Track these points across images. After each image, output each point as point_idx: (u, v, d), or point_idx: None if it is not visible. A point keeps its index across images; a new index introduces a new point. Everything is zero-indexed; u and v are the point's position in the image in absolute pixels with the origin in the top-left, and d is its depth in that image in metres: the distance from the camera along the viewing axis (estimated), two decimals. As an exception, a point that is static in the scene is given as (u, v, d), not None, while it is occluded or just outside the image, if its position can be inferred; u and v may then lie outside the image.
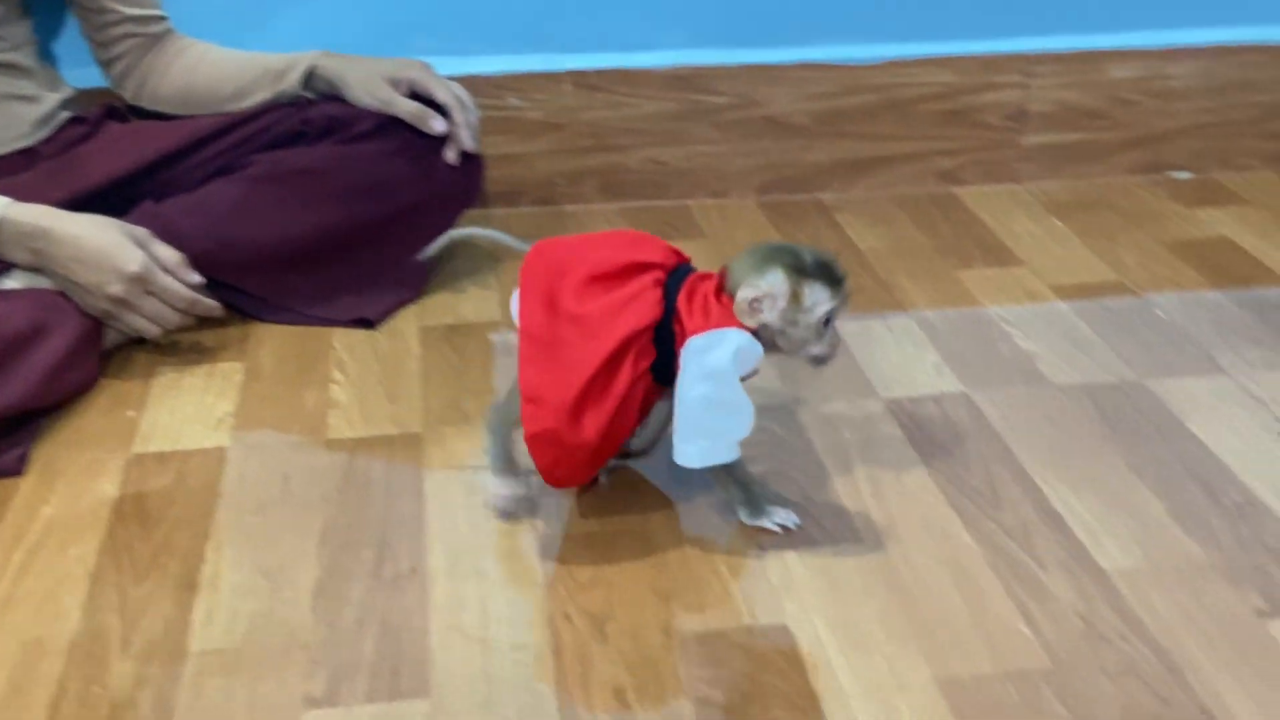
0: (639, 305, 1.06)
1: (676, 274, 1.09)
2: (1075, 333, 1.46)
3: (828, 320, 1.08)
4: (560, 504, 1.16)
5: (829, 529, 1.13)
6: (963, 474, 1.20)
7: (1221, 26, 1.85)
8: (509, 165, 1.76)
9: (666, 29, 1.76)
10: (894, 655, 0.99)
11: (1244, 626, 1.02)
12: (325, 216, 1.47)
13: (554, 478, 1.10)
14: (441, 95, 1.49)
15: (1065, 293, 1.55)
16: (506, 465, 1.15)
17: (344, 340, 1.45)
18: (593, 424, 1.04)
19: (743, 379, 1.08)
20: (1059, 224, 1.74)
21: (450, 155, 1.50)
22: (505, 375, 1.38)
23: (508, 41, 1.74)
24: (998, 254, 1.66)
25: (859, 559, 1.10)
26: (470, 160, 1.52)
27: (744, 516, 1.13)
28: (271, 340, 1.45)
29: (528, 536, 1.12)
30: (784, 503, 1.14)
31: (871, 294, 1.55)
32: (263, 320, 1.48)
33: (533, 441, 1.06)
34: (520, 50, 1.74)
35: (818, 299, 1.06)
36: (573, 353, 1.04)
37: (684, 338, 1.06)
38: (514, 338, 1.43)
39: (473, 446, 1.25)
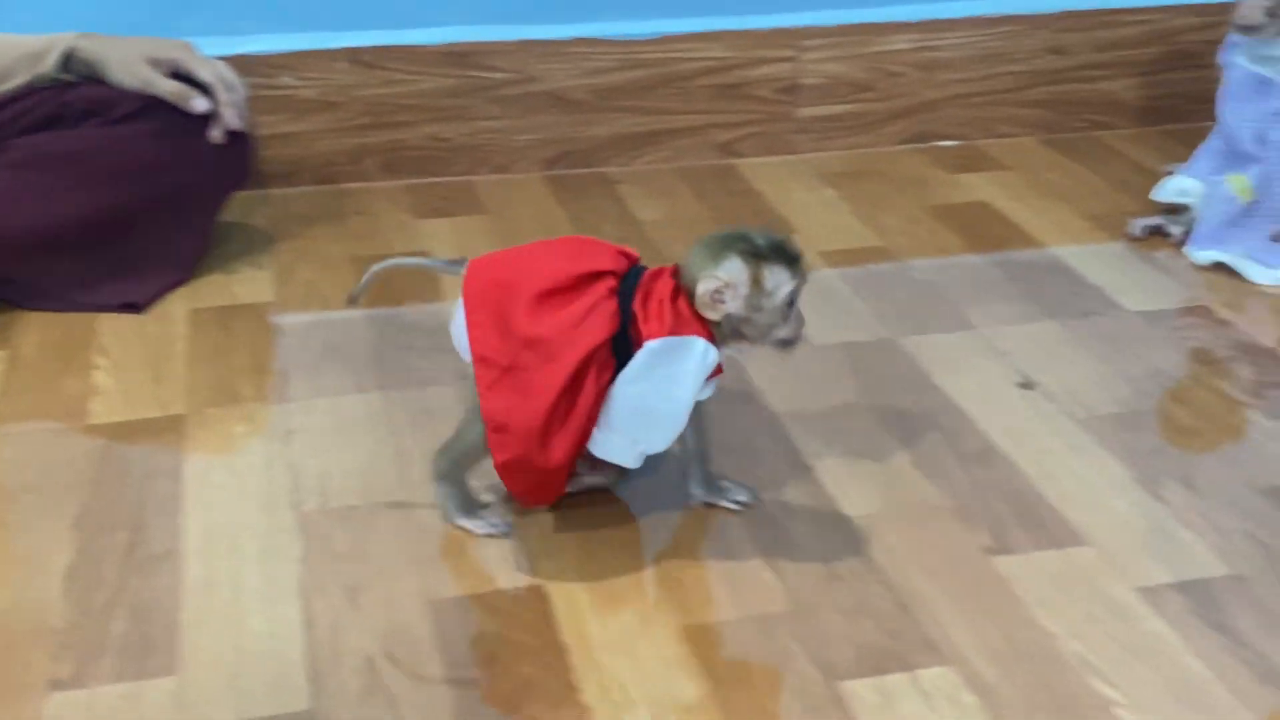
0: (595, 320, 1.01)
1: (629, 278, 1.05)
2: (838, 296, 1.52)
3: (791, 301, 1.04)
4: (322, 482, 1.17)
5: (588, 492, 1.16)
6: (717, 435, 1.24)
7: (982, -2, 1.93)
8: (285, 145, 1.75)
9: (440, 5, 1.76)
10: (644, 607, 1.02)
11: (971, 564, 1.08)
12: (89, 200, 1.44)
13: (528, 500, 1.09)
14: (204, 74, 1.48)
15: (832, 259, 1.61)
16: (470, 507, 1.11)
17: (110, 325, 1.42)
18: (561, 447, 1.03)
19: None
20: (831, 193, 1.80)
21: (215, 135, 1.48)
22: (279, 355, 1.38)
23: (279, 20, 1.72)
24: (772, 223, 1.71)
25: (616, 519, 1.13)
26: (238, 140, 1.51)
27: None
28: (35, 328, 1.42)
29: (287, 514, 1.12)
30: None
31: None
32: (26, 308, 1.44)
33: (503, 469, 1.05)
34: (292, 29, 1.73)
35: (779, 280, 1.03)
36: (534, 377, 1.01)
37: (641, 345, 1.03)
38: (289, 319, 1.45)
39: (241, 427, 1.25)
